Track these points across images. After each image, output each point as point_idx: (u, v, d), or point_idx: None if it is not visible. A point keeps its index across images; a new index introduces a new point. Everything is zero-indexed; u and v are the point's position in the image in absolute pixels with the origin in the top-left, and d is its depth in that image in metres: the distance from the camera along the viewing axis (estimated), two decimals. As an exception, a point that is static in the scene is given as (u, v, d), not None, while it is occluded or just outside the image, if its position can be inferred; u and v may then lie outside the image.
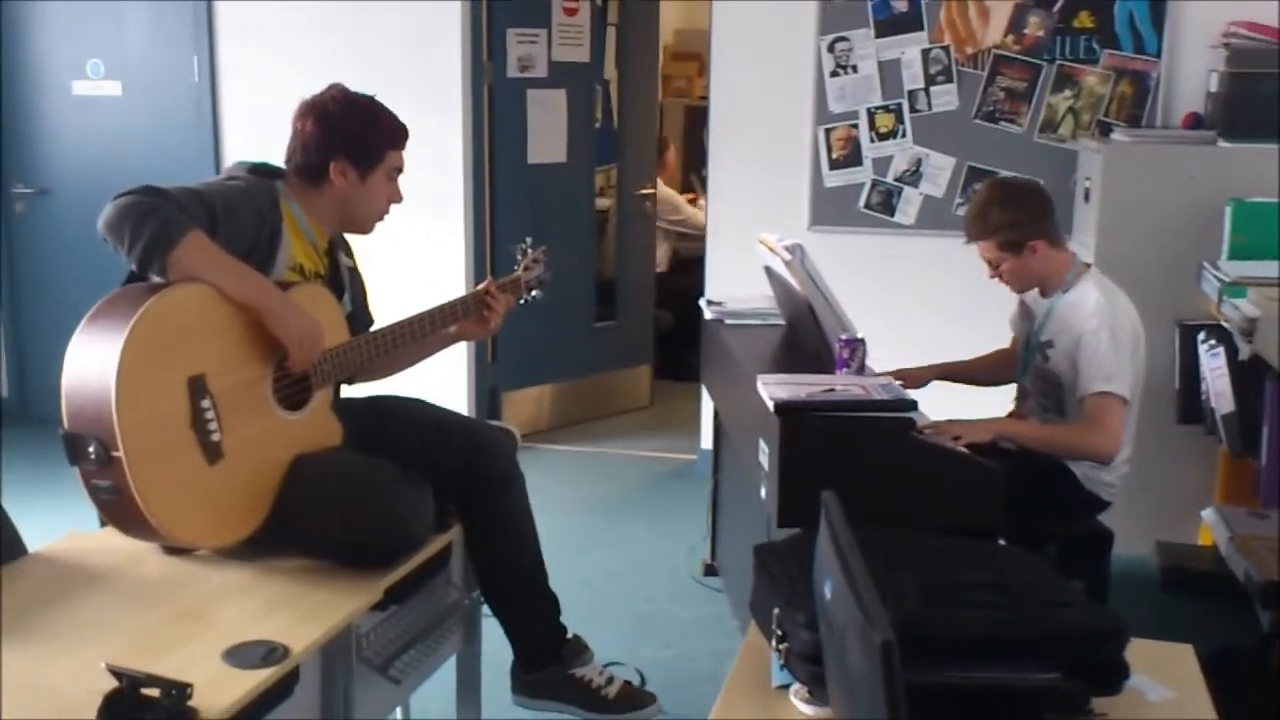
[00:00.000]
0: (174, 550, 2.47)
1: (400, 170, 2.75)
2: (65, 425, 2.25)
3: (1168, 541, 3.96)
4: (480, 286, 2.91)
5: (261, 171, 2.64)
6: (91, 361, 2.23)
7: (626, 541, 4.53)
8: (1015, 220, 3.17)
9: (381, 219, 2.77)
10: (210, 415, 2.32)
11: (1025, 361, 3.36)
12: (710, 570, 4.13)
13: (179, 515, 2.28)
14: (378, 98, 2.73)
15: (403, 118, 2.73)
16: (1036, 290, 3.30)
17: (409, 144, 2.74)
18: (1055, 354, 3.21)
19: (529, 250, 3.04)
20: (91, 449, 2.20)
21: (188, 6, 5.35)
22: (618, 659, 3.30)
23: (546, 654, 2.87)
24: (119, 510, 2.27)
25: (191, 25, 5.36)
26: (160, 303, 2.29)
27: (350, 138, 2.64)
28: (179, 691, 1.85)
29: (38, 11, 5.53)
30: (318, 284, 2.66)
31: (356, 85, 2.76)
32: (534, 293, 3.04)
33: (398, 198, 2.76)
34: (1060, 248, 3.24)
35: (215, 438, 2.33)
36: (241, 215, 2.48)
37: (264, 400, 2.46)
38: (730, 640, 3.55)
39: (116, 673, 1.84)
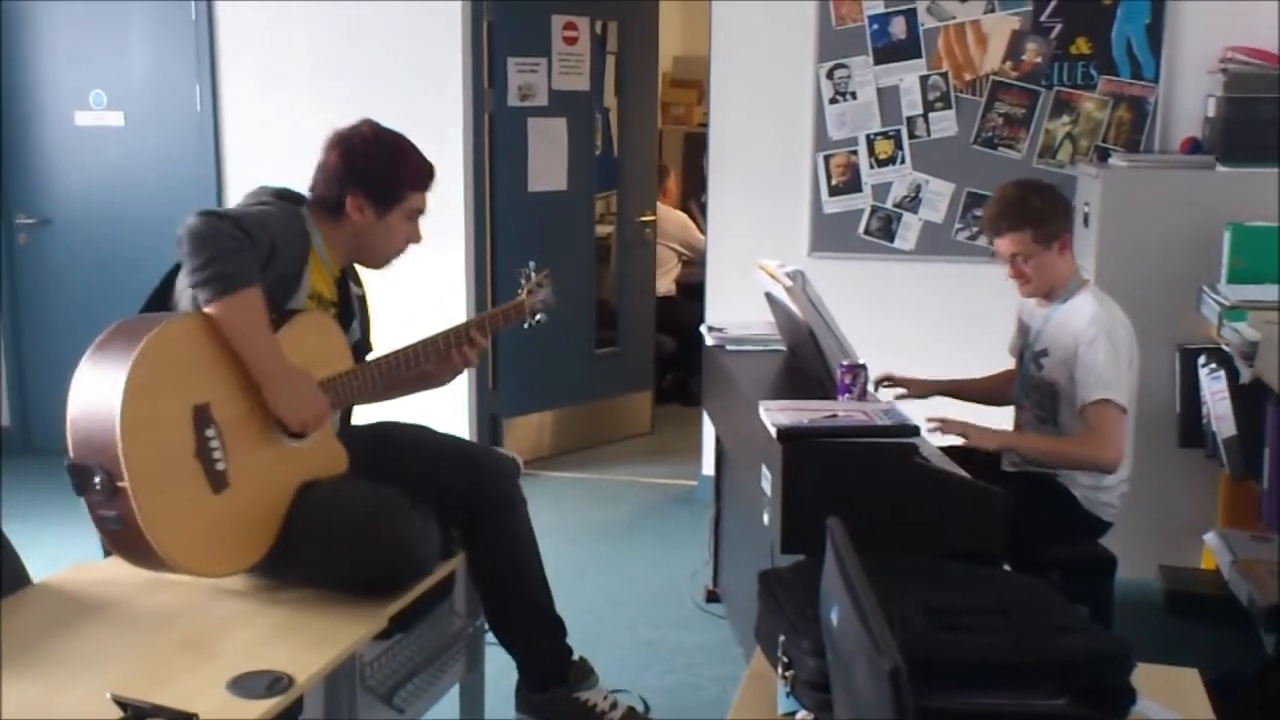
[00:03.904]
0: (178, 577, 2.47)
1: (421, 212, 2.74)
2: (70, 455, 2.26)
3: (1171, 565, 3.98)
4: (460, 325, 2.86)
5: (286, 197, 2.66)
6: (96, 391, 2.24)
7: (628, 568, 4.52)
8: (1054, 211, 3.19)
9: (397, 257, 2.77)
10: (215, 444, 2.33)
11: (1022, 374, 3.37)
12: (713, 596, 4.12)
13: (184, 544, 2.29)
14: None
15: None
16: (1034, 302, 3.32)
17: None
18: (1050, 363, 3.22)
19: (532, 274, 3.04)
20: (97, 479, 2.21)
21: (190, 37, 5.37)
22: (621, 685, 3.28)
23: (552, 675, 2.87)
24: (125, 540, 2.27)
25: (194, 55, 5.38)
26: (164, 333, 2.30)
27: (370, 174, 2.65)
28: (184, 722, 1.85)
29: (41, 42, 5.56)
30: (327, 312, 2.68)
31: (357, 113, 2.77)
32: (538, 316, 3.03)
33: (416, 238, 2.75)
34: (1071, 253, 3.26)
35: (220, 466, 2.34)
36: (289, 247, 2.52)
37: (268, 428, 2.47)
38: (734, 667, 3.54)
39: (122, 703, 1.85)
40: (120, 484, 2.20)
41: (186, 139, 5.46)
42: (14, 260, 5.75)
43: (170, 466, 2.27)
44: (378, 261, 2.77)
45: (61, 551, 2.62)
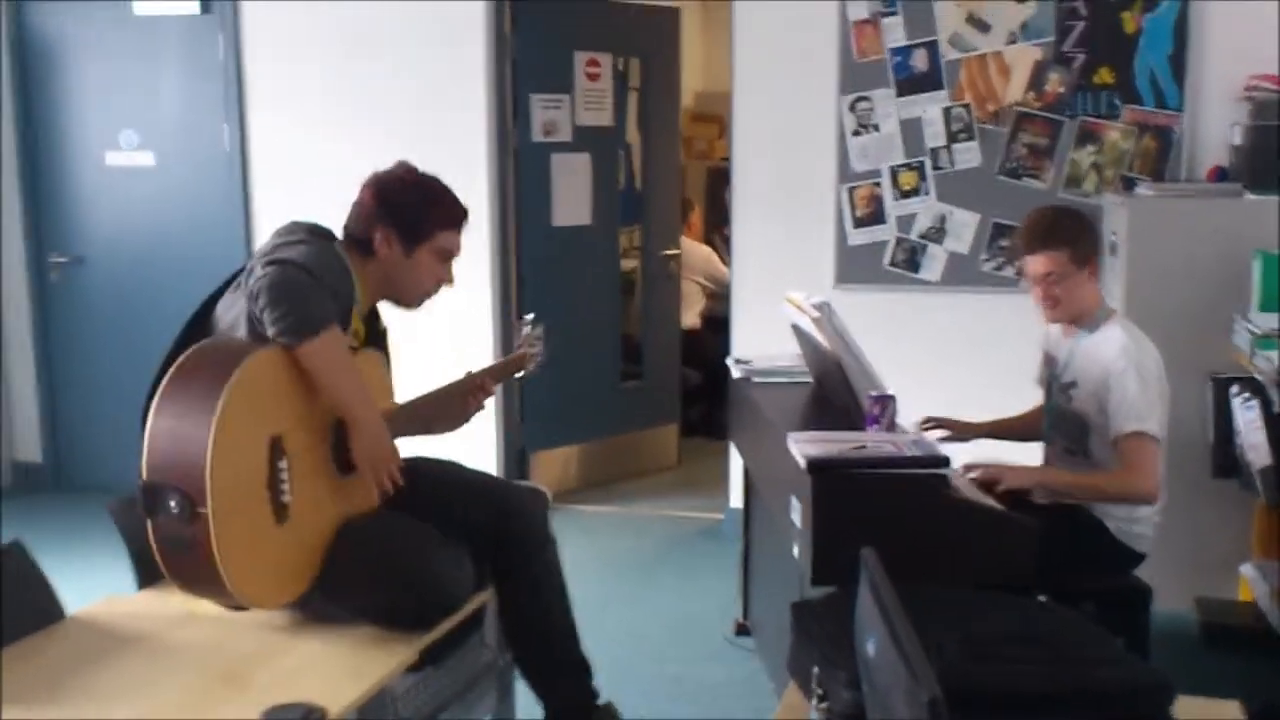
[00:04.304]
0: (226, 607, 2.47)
1: (453, 254, 2.75)
2: (144, 475, 2.26)
3: (1207, 597, 3.94)
4: (472, 375, 2.89)
5: (320, 234, 2.68)
6: (184, 415, 2.25)
7: (656, 602, 4.51)
8: (1088, 234, 3.20)
9: (428, 298, 2.78)
10: (284, 476, 2.36)
11: (1049, 406, 3.35)
12: (742, 630, 4.10)
13: (248, 574, 2.30)
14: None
15: None
16: (1059, 331, 3.31)
17: None
18: (1079, 394, 3.20)
19: (528, 328, 3.08)
20: (173, 502, 2.21)
21: (219, 76, 5.45)
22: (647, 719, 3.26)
23: (575, 717, 2.85)
24: (188, 564, 2.28)
25: (222, 95, 5.45)
26: (255, 362, 2.32)
27: (399, 209, 2.67)
28: (218, 755, 1.85)
29: (71, 83, 5.64)
30: (371, 350, 2.71)
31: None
32: (531, 367, 3.08)
33: (448, 279, 2.76)
34: (1098, 281, 3.26)
35: (285, 499, 2.37)
36: (342, 285, 2.55)
37: (326, 461, 2.51)
38: (764, 701, 3.52)
39: (158, 736, 1.85)
40: (201, 509, 2.21)
41: (216, 177, 5.52)
42: (46, 298, 5.82)
43: (245, 495, 2.30)
44: (408, 300, 2.78)
45: (92, 585, 2.63)
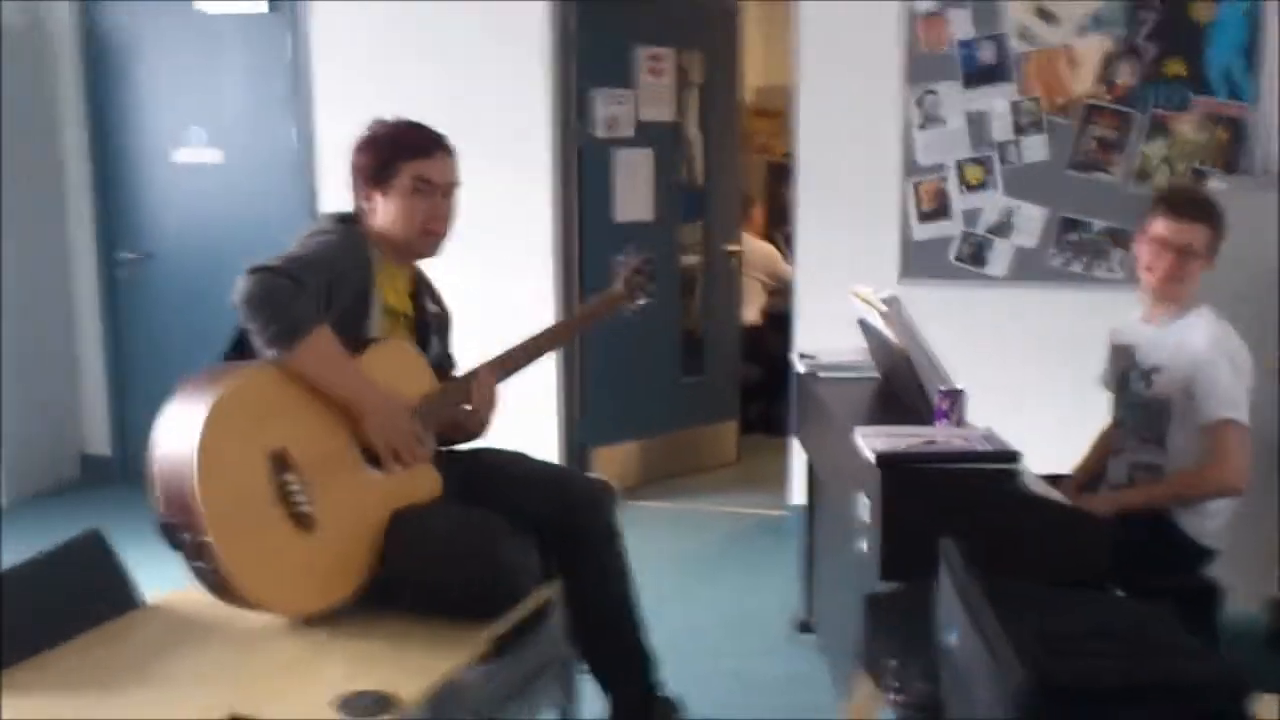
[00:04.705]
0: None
1: (432, 183, 2.66)
2: (160, 513, 2.30)
3: (1277, 598, 3.86)
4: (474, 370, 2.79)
5: (347, 219, 2.70)
6: (173, 451, 2.29)
7: (716, 597, 4.50)
8: (1225, 226, 3.13)
9: (434, 238, 2.71)
10: (295, 487, 2.36)
11: (1127, 394, 3.28)
12: (804, 626, 4.08)
13: (277, 590, 2.33)
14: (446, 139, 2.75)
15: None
16: (1137, 320, 3.25)
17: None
18: (1162, 379, 3.12)
19: (625, 259, 3.08)
20: (186, 535, 2.25)
21: (286, 74, 5.51)
22: (710, 715, 3.26)
23: (640, 710, 2.85)
24: (221, 587, 2.32)
25: (290, 94, 5.51)
26: (234, 387, 2.35)
27: (364, 164, 2.68)
28: (297, 739, 1.87)
29: (140, 81, 5.73)
30: (402, 336, 2.71)
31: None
32: (640, 302, 3.09)
33: (439, 211, 2.68)
34: None
35: (305, 509, 2.37)
36: (351, 269, 2.55)
37: (355, 461, 2.51)
38: (824, 696, 3.51)
39: (238, 720, 1.88)
40: (205, 539, 2.24)
41: (283, 176, 5.58)
42: (116, 294, 5.92)
43: (252, 517, 2.31)
44: (415, 246, 2.71)
45: (157, 578, 2.66)
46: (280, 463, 2.36)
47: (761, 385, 6.62)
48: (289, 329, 2.37)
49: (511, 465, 2.84)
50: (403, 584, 2.47)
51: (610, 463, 5.72)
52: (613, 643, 2.82)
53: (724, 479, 6.02)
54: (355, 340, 2.54)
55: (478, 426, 2.81)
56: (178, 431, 2.30)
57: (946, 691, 1.44)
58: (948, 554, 1.43)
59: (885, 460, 2.59)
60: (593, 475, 3.01)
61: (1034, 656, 1.52)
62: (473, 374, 2.76)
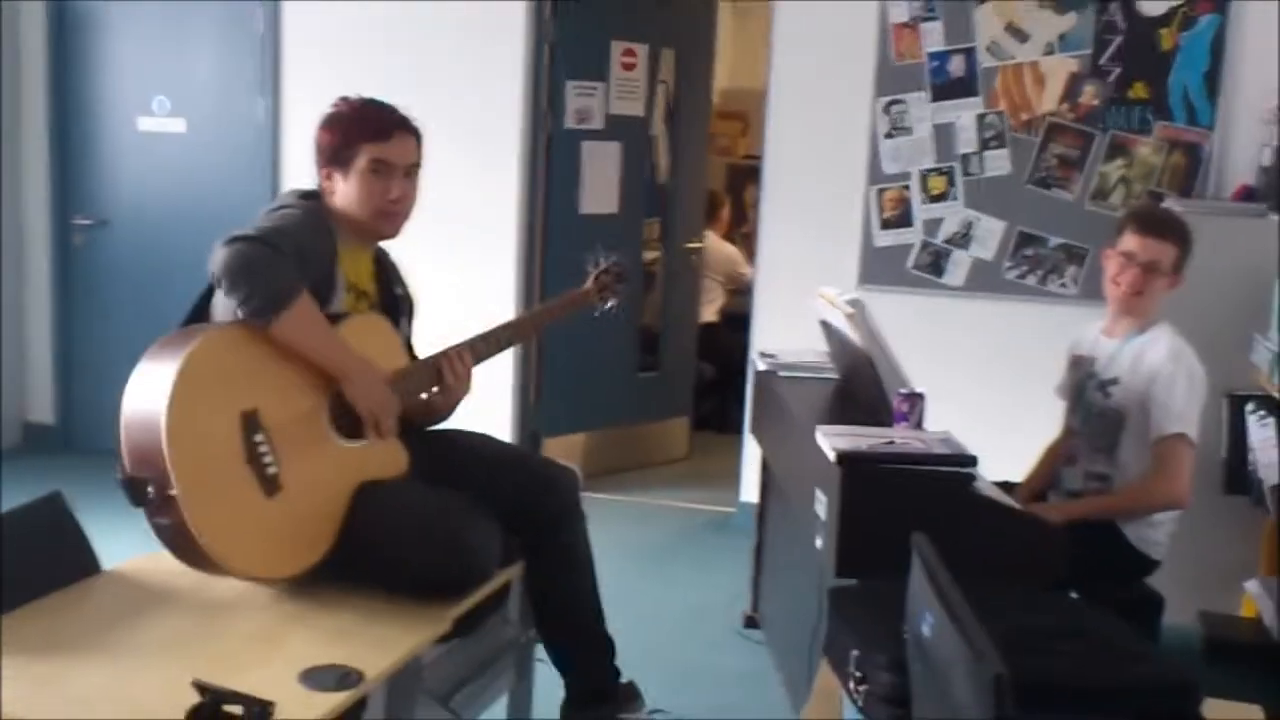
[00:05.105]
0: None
1: (391, 164, 2.64)
2: (126, 469, 2.29)
3: (1211, 612, 3.96)
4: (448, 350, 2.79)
5: (310, 196, 2.70)
6: (144, 405, 2.28)
7: (666, 591, 4.53)
8: (1191, 246, 3.22)
9: (392, 220, 2.69)
10: (265, 449, 2.36)
11: (1078, 404, 3.36)
12: (750, 622, 4.13)
13: (238, 549, 2.32)
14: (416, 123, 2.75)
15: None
16: (1098, 332, 3.33)
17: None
18: (1120, 391, 3.21)
19: (600, 263, 3.09)
20: (150, 489, 2.24)
21: (255, 49, 5.47)
22: (660, 707, 3.29)
23: (597, 695, 2.88)
24: (182, 546, 2.31)
25: (259, 68, 5.47)
26: (206, 344, 2.34)
27: (324, 145, 2.67)
28: (261, 709, 1.88)
29: (105, 46, 5.66)
30: (362, 302, 2.71)
31: (420, 130, 2.79)
32: (610, 305, 3.10)
33: (393, 193, 2.65)
34: None
35: (272, 471, 2.37)
36: (317, 244, 2.55)
37: (323, 430, 2.50)
38: (772, 691, 3.56)
39: (202, 688, 1.88)
40: (170, 492, 2.23)
41: (247, 149, 5.54)
42: (69, 259, 5.83)
43: (220, 473, 2.31)
44: (375, 227, 2.69)
45: (110, 548, 2.64)
46: (252, 422, 2.36)
47: (714, 383, 6.67)
48: (273, 297, 2.36)
49: (478, 447, 2.85)
50: (364, 558, 2.47)
51: (562, 453, 5.71)
52: (573, 625, 2.84)
53: (674, 474, 6.06)
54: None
55: (446, 408, 2.82)
56: (149, 385, 2.29)
57: (917, 683, 1.48)
58: (920, 547, 1.47)
59: (845, 458, 2.64)
60: (557, 460, 3.01)
61: (1006, 652, 1.56)
62: (443, 354, 2.77)
